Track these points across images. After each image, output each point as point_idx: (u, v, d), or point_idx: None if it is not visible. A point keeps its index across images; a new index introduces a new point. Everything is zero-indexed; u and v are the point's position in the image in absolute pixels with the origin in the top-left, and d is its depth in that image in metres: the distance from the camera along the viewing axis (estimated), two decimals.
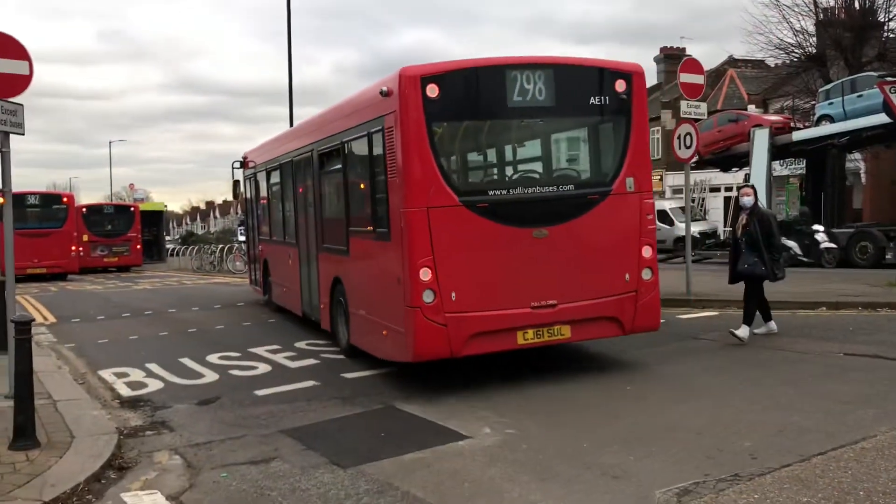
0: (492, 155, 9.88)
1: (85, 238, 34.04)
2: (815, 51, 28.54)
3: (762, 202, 23.00)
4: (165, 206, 53.80)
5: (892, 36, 27.70)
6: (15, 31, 8.44)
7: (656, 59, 50.88)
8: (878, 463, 5.45)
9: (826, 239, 20.24)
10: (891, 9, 27.16)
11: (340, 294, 10.70)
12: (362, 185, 9.98)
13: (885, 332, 10.47)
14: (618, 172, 9.01)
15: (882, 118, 19.32)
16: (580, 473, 5.68)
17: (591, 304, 8.72)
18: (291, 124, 25.88)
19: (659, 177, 45.60)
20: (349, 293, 10.38)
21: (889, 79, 19.68)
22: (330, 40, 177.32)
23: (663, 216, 34.23)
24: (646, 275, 8.99)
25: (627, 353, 10.01)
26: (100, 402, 8.54)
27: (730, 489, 5.15)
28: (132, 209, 38.17)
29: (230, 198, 19.39)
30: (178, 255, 40.92)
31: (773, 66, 32.83)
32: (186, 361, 10.82)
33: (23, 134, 8.52)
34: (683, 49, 48.11)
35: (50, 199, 32.30)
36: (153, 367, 10.55)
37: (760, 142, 23.53)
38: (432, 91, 8.17)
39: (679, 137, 14.44)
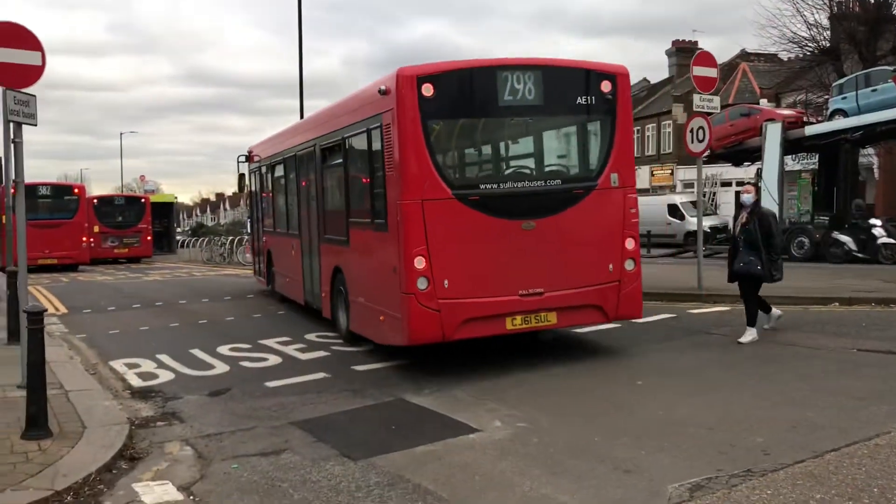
0: (483, 151, 10.37)
1: (96, 229, 34.15)
2: (828, 44, 28.34)
3: (774, 197, 23.04)
4: (176, 197, 53.90)
5: None
6: (25, 22, 8.47)
7: (668, 53, 50.65)
8: (892, 459, 5.42)
9: (884, 234, 19.73)
10: None
11: (341, 283, 11.18)
12: (362, 179, 10.41)
13: None
14: (603, 168, 9.49)
15: None
16: (592, 467, 5.66)
17: (576, 293, 9.22)
18: (302, 116, 25.89)
19: (670, 171, 45.49)
20: (349, 282, 10.85)
21: None
22: (339, 32, 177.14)
23: (674, 210, 34.17)
24: (629, 265, 9.49)
25: (638, 348, 9.99)
26: (111, 393, 8.56)
27: (742, 485, 5.12)
28: (143, 200, 38.27)
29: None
30: (188, 246, 40.97)
31: (785, 59, 32.63)
32: (197, 352, 10.85)
33: (35, 125, 8.54)
34: (695, 43, 47.90)
35: (61, 190, 32.41)
36: (164, 357, 10.58)
37: (773, 136, 23.36)
38: (427, 90, 8.66)
39: (692, 131, 14.36)
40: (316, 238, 12.61)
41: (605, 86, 9.48)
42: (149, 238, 36.73)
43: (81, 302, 18.25)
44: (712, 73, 14.67)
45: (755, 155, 25.50)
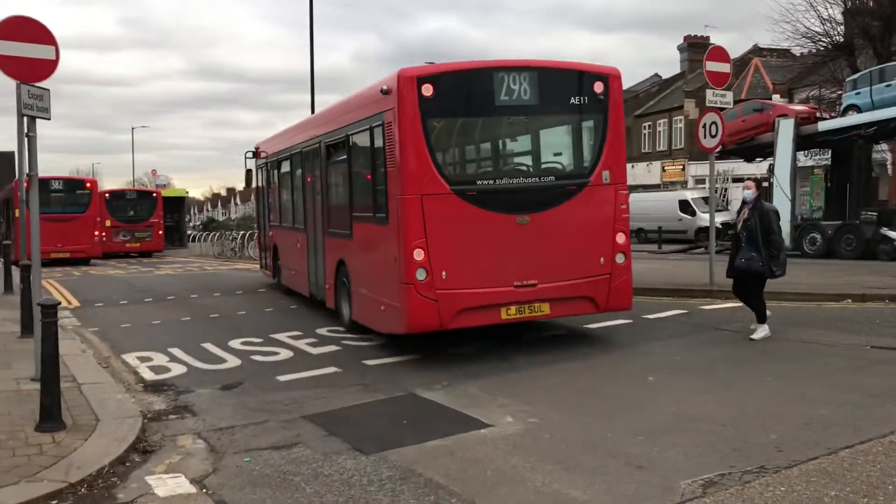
0: (480, 148, 10.85)
1: (108, 223, 34.26)
2: (842, 39, 28.16)
3: (786, 193, 22.93)
4: (187, 192, 54.06)
5: None
6: (37, 17, 8.49)
7: (680, 48, 50.45)
8: None
9: None
10: None
11: (344, 275, 11.61)
12: (364, 175, 10.84)
13: None
14: (595, 166, 9.91)
15: None
16: (604, 463, 5.65)
17: (568, 285, 9.62)
18: (313, 111, 25.92)
19: (681, 166, 45.34)
20: (352, 273, 11.30)
21: None
22: (350, 28, 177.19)
23: (685, 206, 34.08)
24: (619, 259, 9.90)
25: (650, 344, 9.97)
26: (124, 386, 8.58)
27: (756, 481, 5.10)
28: (154, 195, 38.39)
29: None
30: (200, 240, 41.08)
31: (798, 55, 32.43)
32: (209, 346, 10.88)
33: (49, 119, 8.57)
34: (707, 38, 47.67)
35: (74, 185, 32.49)
36: (176, 351, 10.62)
37: (785, 132, 23.24)
38: (427, 90, 9.09)
39: (704, 126, 14.30)
40: (321, 232, 12.98)
41: (598, 86, 9.85)
42: (160, 232, 36.86)
43: (93, 296, 18.32)
44: (725, 68, 14.59)
45: (767, 151, 25.39)
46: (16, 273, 16.29)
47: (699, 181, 42.62)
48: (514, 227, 9.40)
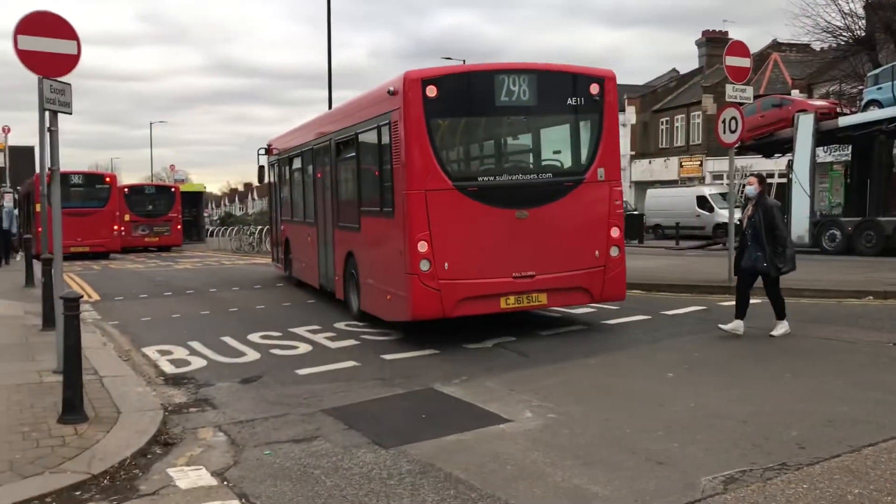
0: (481, 147, 11.38)
1: (127, 218, 34.53)
2: (863, 34, 27.88)
3: (805, 189, 22.74)
4: (205, 187, 54.37)
5: None
6: (57, 12, 8.54)
7: (698, 43, 50.18)
8: None
9: None
10: None
11: (353, 267, 12.17)
12: (372, 171, 11.37)
13: None
14: (591, 163, 10.41)
15: None
16: (624, 459, 5.63)
17: (565, 276, 10.14)
18: (330, 107, 25.97)
19: (699, 162, 45.07)
20: (360, 265, 11.85)
21: None
22: (366, 23, 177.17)
23: (703, 202, 33.89)
24: (613, 252, 10.42)
25: (669, 341, 9.93)
26: (144, 379, 8.65)
27: (777, 478, 5.07)
28: (173, 190, 38.61)
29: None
30: (218, 235, 41.25)
31: (818, 49, 32.15)
32: (228, 340, 10.94)
33: (70, 113, 8.63)
34: (726, 33, 47.41)
35: (93, 179, 32.75)
36: (196, 345, 10.69)
37: (805, 127, 23.04)
38: (431, 91, 9.59)
39: (724, 121, 14.21)
40: (330, 225, 13.51)
41: (594, 88, 10.36)
42: (178, 227, 37.07)
43: (113, 289, 18.47)
44: (745, 62, 14.49)
45: (786, 146, 25.18)
46: (37, 267, 16.46)
47: (717, 177, 42.37)
48: (513, 221, 9.89)
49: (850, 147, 24.91)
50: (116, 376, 8.47)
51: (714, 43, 47.06)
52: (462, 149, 11.07)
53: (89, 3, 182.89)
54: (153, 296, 17.04)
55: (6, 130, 39.14)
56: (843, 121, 22.82)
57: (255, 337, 11.08)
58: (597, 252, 10.29)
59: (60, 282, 8.85)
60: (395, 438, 6.30)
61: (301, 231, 16.28)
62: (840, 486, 4.86)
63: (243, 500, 5.16)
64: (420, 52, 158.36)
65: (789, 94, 32.19)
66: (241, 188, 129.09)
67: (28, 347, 10.12)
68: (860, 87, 25.81)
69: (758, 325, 10.41)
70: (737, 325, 9.82)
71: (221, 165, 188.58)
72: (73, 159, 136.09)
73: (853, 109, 24.84)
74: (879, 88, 22.22)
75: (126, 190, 36.57)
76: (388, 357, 9.48)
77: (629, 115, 50.38)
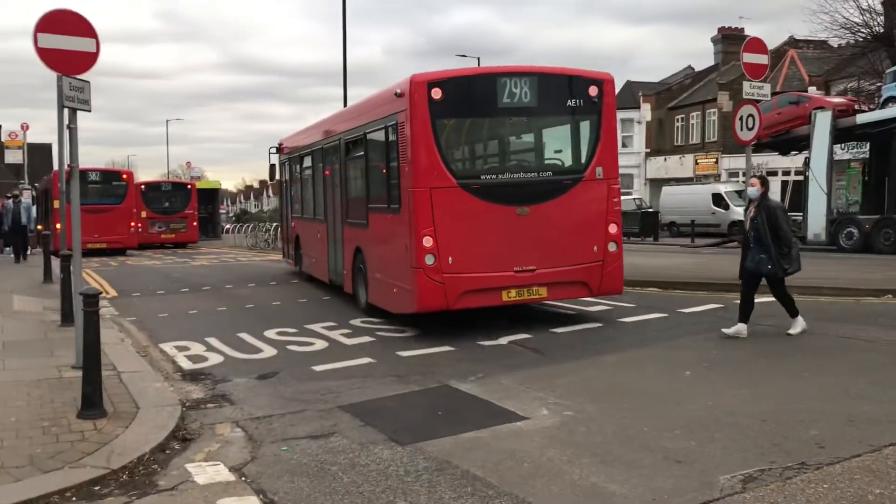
0: (484, 146, 11.83)
1: (143, 214, 34.67)
2: (882, 30, 27.63)
3: (822, 186, 22.59)
4: (220, 184, 54.56)
5: None
6: (77, 10, 8.61)
7: (713, 40, 49.83)
8: None
9: None
10: None
11: (361, 261, 12.59)
12: (380, 169, 11.78)
13: None
14: (589, 162, 10.77)
15: None
16: (641, 457, 5.61)
17: (564, 270, 10.52)
18: (345, 104, 26.01)
19: (714, 160, 44.81)
20: (368, 260, 12.26)
21: None
22: (381, 21, 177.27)
23: (718, 200, 33.71)
24: (611, 247, 10.77)
25: (686, 339, 9.89)
26: (162, 375, 8.69)
27: (797, 477, 5.04)
28: (189, 187, 38.75)
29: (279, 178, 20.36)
30: (235, 232, 41.42)
31: (836, 46, 31.90)
32: (245, 336, 10.98)
33: (89, 111, 8.71)
34: (742, 29, 47.05)
35: (110, 176, 32.91)
36: (213, 341, 10.73)
37: (822, 124, 22.88)
38: (436, 94, 10.00)
39: (741, 119, 14.11)
40: (340, 222, 13.93)
41: (592, 90, 10.72)
42: (195, 224, 37.22)
43: (131, 285, 18.57)
44: (762, 59, 14.40)
45: (803, 144, 25.03)
46: (55, 263, 16.56)
47: (732, 174, 42.09)
48: (514, 217, 10.27)
49: (867, 144, 24.73)
50: (134, 372, 8.53)
51: (730, 40, 46.72)
52: (466, 148, 11.49)
53: (107, 0, 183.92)
54: (170, 292, 17.14)
55: (25, 128, 39.44)
56: (861, 118, 22.66)
57: (271, 333, 11.12)
58: (595, 247, 10.64)
59: (79, 278, 8.92)
60: (412, 435, 6.31)
61: (311, 227, 16.68)
62: (861, 486, 4.83)
63: (261, 496, 5.18)
64: (434, 49, 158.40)
65: (806, 91, 31.94)
66: (256, 185, 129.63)
67: (47, 343, 10.20)
68: (878, 84, 25.62)
69: (773, 323, 10.36)
70: (739, 329, 9.69)
71: (237, 163, 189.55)
72: (90, 156, 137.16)
73: (871, 106, 24.69)
74: None
75: (143, 187, 36.72)
76: (403, 354, 9.49)
77: (644, 112, 50.15)
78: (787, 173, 37.69)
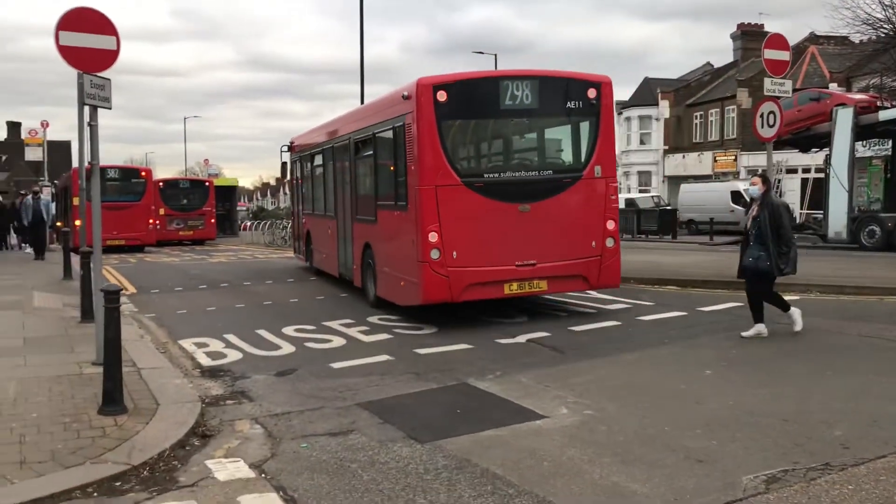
0: (487, 146, 12.28)
1: (161, 211, 34.89)
2: None
3: (844, 184, 22.37)
4: (238, 181, 54.79)
5: None
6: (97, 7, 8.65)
7: (733, 36, 49.48)
8: None
9: None
10: None
11: (370, 256, 13.02)
12: (388, 168, 12.17)
13: None
14: (588, 161, 11.24)
15: None
16: (662, 456, 5.57)
17: (563, 265, 10.99)
18: (362, 102, 26.03)
19: (733, 157, 44.49)
20: (377, 255, 12.70)
21: None
22: (398, 18, 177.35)
23: (737, 197, 33.42)
24: (609, 243, 11.24)
25: (705, 337, 9.82)
26: (181, 371, 8.72)
27: (821, 479, 4.98)
28: (207, 184, 38.92)
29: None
30: (252, 229, 41.54)
31: (858, 42, 31.53)
32: (263, 333, 11.01)
33: (110, 108, 8.75)
34: (761, 26, 46.69)
35: (129, 173, 33.10)
36: (231, 337, 10.77)
37: (843, 121, 22.66)
38: (442, 96, 10.45)
39: (762, 116, 13.98)
40: (349, 218, 14.39)
41: (591, 92, 11.16)
42: (212, 221, 37.39)
43: (149, 282, 18.69)
44: (784, 55, 14.26)
45: (824, 141, 24.79)
46: (74, 260, 16.68)
47: (751, 172, 41.68)
48: (516, 214, 10.74)
49: (889, 141, 24.46)
50: (154, 368, 8.56)
51: (749, 36, 46.36)
52: (469, 148, 11.94)
53: None
54: (188, 289, 17.22)
55: (45, 125, 39.74)
56: (884, 114, 22.41)
57: (289, 330, 11.15)
58: (593, 243, 11.11)
59: (100, 275, 8.97)
60: (431, 433, 6.30)
61: (322, 224, 17.09)
62: (886, 488, 4.76)
63: (281, 493, 5.18)
64: (451, 46, 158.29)
65: (827, 88, 31.63)
66: (272, 182, 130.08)
67: (68, 339, 10.27)
68: None
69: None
70: (760, 329, 9.58)
71: (254, 160, 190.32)
72: (108, 154, 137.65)
73: (894, 103, 24.36)
74: None
75: (161, 184, 36.93)
76: (421, 351, 9.47)
77: (662, 110, 49.88)
78: (807, 170, 37.38)
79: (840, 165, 22.63)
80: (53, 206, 33.80)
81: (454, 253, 10.46)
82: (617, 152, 57.61)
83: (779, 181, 38.74)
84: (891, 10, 27.27)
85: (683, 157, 49.03)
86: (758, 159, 39.50)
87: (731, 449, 5.66)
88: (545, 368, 8.42)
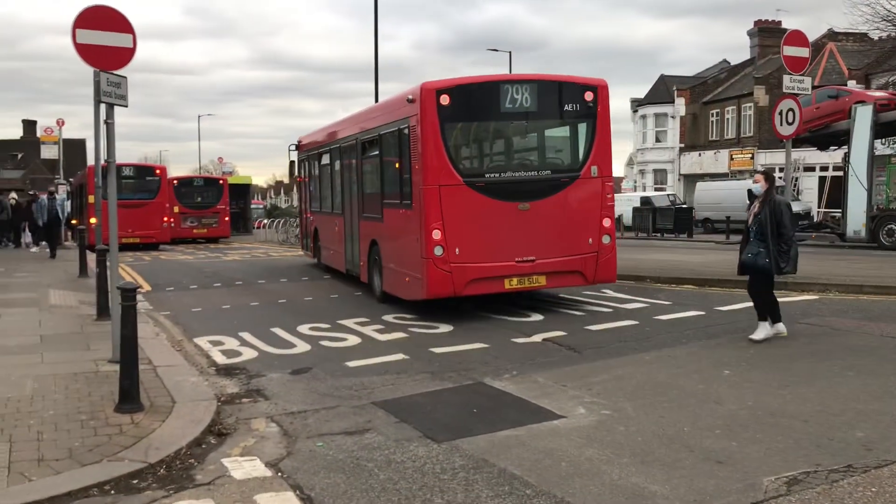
0: (488, 147, 12.74)
1: (176, 209, 34.97)
2: None
3: (862, 182, 22.16)
4: (251, 179, 54.95)
5: None
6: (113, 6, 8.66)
7: (750, 33, 49.19)
8: None
9: None
10: None
11: (376, 253, 13.42)
12: (393, 168, 12.62)
13: None
14: (585, 161, 11.67)
15: None
16: (682, 457, 5.51)
17: (561, 261, 11.44)
18: (377, 100, 26.01)
19: (750, 155, 44.20)
20: (383, 252, 13.11)
21: None
22: (410, 15, 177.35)
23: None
24: (605, 240, 11.69)
25: (724, 337, 9.72)
26: (197, 369, 8.72)
27: (843, 481, 4.91)
28: (221, 182, 39.00)
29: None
30: (266, 227, 41.66)
31: (877, 39, 31.25)
32: (278, 331, 11.01)
33: (126, 106, 8.77)
34: (779, 22, 46.42)
35: (144, 171, 33.18)
36: (246, 335, 10.77)
37: (862, 119, 22.44)
38: (444, 100, 10.90)
39: (780, 113, 13.88)
40: (356, 216, 14.79)
41: (588, 96, 11.61)
42: (226, 219, 37.46)
43: (164, 280, 18.75)
44: (803, 52, 14.15)
45: (842, 139, 24.56)
46: (90, 257, 16.75)
47: (769, 170, 41.49)
48: (516, 212, 11.17)
49: None
50: (170, 366, 8.57)
51: (766, 33, 46.08)
52: (471, 149, 12.38)
53: None
54: (203, 287, 17.26)
55: (60, 124, 39.99)
56: None
57: (304, 328, 11.14)
58: (590, 240, 11.54)
59: (116, 272, 8.98)
60: (447, 432, 6.26)
61: (329, 221, 17.58)
62: None
63: (297, 492, 5.16)
64: (463, 44, 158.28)
65: (846, 85, 31.35)
66: (286, 181, 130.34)
67: (84, 337, 10.30)
68: None
69: (814, 322, 10.18)
70: (780, 329, 9.45)
71: (267, 158, 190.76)
72: (123, 152, 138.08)
73: None
74: None
75: (175, 182, 37.03)
76: (437, 350, 9.43)
77: (678, 107, 49.61)
78: (825, 169, 37.09)
79: (859, 164, 22.42)
80: (69, 203, 34.02)
81: (457, 249, 10.86)
82: (632, 150, 57.48)
83: (796, 179, 38.50)
84: None
85: (699, 155, 48.77)
86: (775, 157, 39.25)
87: (752, 450, 5.59)
88: (562, 368, 8.37)
